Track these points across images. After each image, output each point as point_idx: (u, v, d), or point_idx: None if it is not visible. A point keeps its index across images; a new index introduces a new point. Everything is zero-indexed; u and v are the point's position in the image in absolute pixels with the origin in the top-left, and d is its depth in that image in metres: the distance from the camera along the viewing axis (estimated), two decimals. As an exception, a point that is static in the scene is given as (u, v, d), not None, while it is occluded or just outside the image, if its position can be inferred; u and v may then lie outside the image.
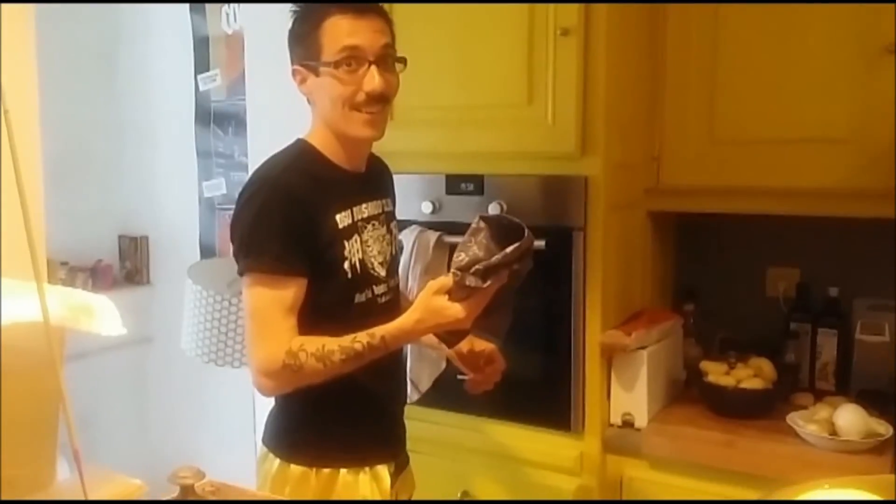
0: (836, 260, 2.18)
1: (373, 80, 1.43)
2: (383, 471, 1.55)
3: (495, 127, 1.97)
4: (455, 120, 1.99)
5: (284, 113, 2.33)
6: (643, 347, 1.94)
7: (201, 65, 3.23)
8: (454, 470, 2.07)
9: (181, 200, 3.33)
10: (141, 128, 3.40)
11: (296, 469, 1.48)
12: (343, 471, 1.50)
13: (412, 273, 1.97)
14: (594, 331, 1.92)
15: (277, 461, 1.51)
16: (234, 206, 1.50)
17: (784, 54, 1.95)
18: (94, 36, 3.34)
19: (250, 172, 2.39)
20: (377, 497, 1.53)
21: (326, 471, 1.49)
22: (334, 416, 1.51)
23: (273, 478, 1.50)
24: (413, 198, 2.04)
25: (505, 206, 1.94)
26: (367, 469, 1.52)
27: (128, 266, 3.45)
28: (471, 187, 2.00)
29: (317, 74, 1.45)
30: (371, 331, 1.40)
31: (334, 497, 1.49)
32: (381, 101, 1.46)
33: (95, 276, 3.30)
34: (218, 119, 3.21)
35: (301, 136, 1.54)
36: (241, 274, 1.42)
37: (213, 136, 3.23)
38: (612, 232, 1.93)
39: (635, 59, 2.04)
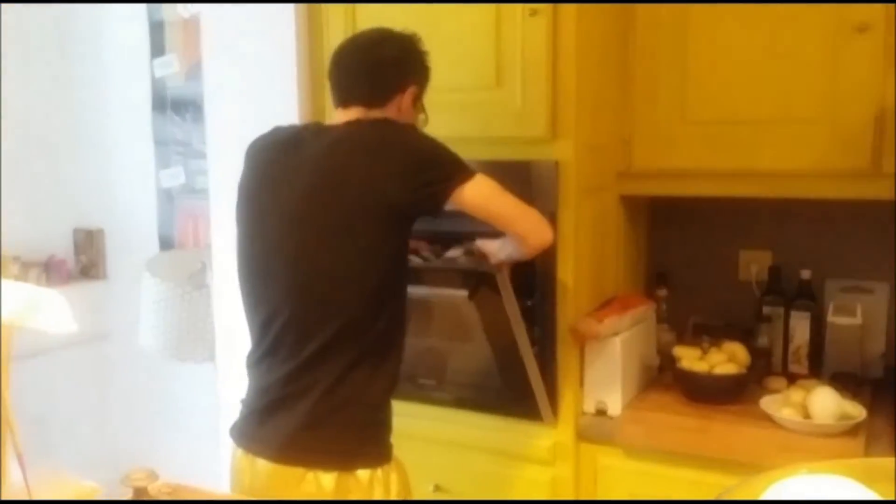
0: (808, 242, 2.18)
1: None
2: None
3: (463, 111, 1.92)
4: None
5: (243, 99, 2.27)
6: (616, 334, 1.92)
7: (157, 50, 3.13)
8: (425, 463, 2.01)
9: (138, 191, 3.24)
10: (95, 116, 3.29)
11: (363, 474, 1.52)
12: (394, 461, 1.58)
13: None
14: (566, 318, 1.89)
15: (333, 474, 1.50)
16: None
17: (754, 35, 1.93)
18: (45, 21, 3.22)
19: (210, 160, 2.35)
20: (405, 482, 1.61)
21: (386, 465, 1.56)
22: (388, 411, 1.60)
23: (334, 492, 1.50)
24: (379, 184, 1.99)
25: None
26: (394, 454, 1.60)
27: (83, 260, 3.35)
28: (439, 173, 1.95)
29: (414, 106, 1.69)
30: None
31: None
32: None
33: (49, 272, 3.20)
34: (175, 106, 3.12)
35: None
36: (465, 180, 1.54)
37: (170, 124, 3.15)
38: (583, 217, 1.90)
39: (605, 40, 2.01)
